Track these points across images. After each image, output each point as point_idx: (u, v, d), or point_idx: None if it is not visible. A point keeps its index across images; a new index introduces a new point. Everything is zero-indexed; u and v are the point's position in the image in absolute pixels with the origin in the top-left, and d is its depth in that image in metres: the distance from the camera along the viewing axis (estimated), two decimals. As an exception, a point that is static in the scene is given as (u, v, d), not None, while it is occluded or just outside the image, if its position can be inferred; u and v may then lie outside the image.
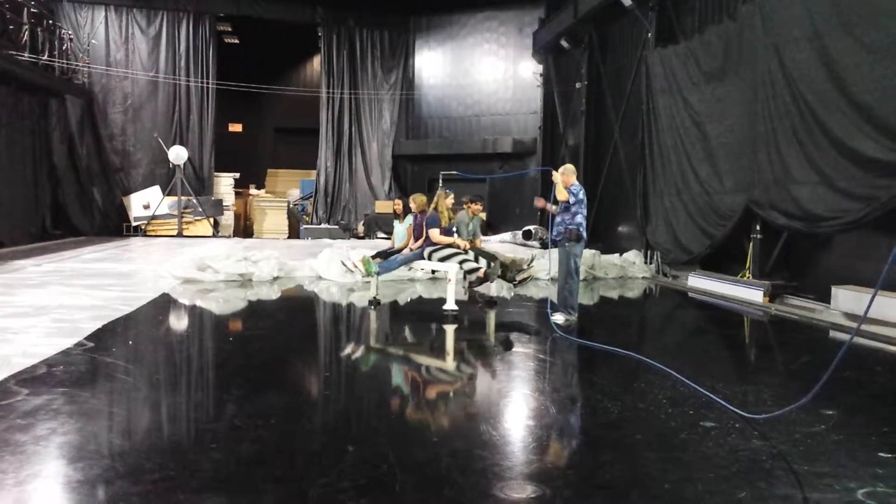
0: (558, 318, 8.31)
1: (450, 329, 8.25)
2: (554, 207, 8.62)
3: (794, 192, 9.89)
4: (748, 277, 11.28)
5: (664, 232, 13.87)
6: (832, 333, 8.42)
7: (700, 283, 12.22)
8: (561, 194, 8.45)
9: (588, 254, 13.77)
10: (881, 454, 3.95)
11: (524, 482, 3.52)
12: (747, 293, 10.83)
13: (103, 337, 6.87)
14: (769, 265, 11.06)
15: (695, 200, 12.77)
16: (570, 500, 3.37)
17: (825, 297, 9.56)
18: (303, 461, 3.79)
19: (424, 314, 9.46)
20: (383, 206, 24.13)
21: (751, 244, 11.37)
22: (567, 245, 8.33)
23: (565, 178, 8.43)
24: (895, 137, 8.09)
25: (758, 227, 11.15)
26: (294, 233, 24.33)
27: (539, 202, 9.05)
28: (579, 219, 8.32)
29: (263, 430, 4.23)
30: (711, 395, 5.03)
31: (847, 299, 9.03)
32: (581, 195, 8.38)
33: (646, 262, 14.43)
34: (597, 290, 12.22)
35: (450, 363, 6.68)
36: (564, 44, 19.48)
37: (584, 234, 8.43)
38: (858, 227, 8.90)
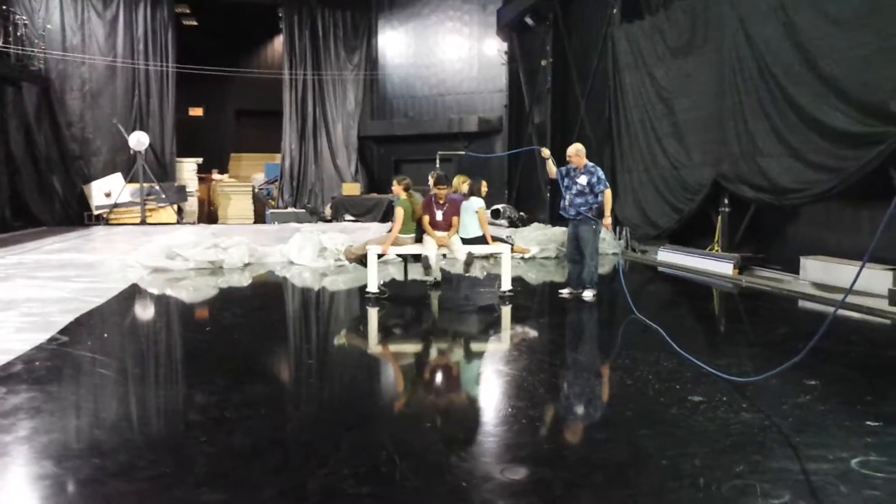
0: (588, 295, 8.44)
1: (435, 311, 8.25)
2: (553, 168, 8.72)
3: (762, 164, 10.00)
4: (717, 250, 11.41)
5: (632, 207, 13.97)
6: (802, 303, 8.58)
7: (669, 257, 12.34)
8: (551, 171, 8.73)
9: (559, 231, 13.84)
10: (868, 423, 4.02)
11: (523, 464, 3.53)
12: (717, 266, 10.95)
13: (77, 330, 6.72)
14: (737, 238, 11.20)
15: (663, 176, 12.87)
16: (570, 479, 3.38)
17: (793, 268, 9.72)
18: (298, 452, 3.76)
19: (403, 297, 9.43)
20: (350, 189, 23.97)
21: (719, 217, 11.50)
22: (594, 224, 8.41)
23: (579, 160, 8.47)
24: (861, 109, 8.19)
25: (726, 201, 11.28)
26: (260, 218, 24.05)
27: (544, 152, 8.99)
28: (601, 198, 8.42)
29: (254, 421, 4.17)
30: (704, 366, 5.09)
31: (815, 269, 9.19)
32: (602, 174, 8.48)
33: (615, 238, 14.53)
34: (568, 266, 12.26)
35: (435, 346, 6.66)
36: (529, 21, 19.38)
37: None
38: (827, 199, 9.03)
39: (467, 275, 9.53)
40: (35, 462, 3.56)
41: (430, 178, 9.11)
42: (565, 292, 8.74)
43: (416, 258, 8.98)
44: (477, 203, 9.05)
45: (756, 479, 3.29)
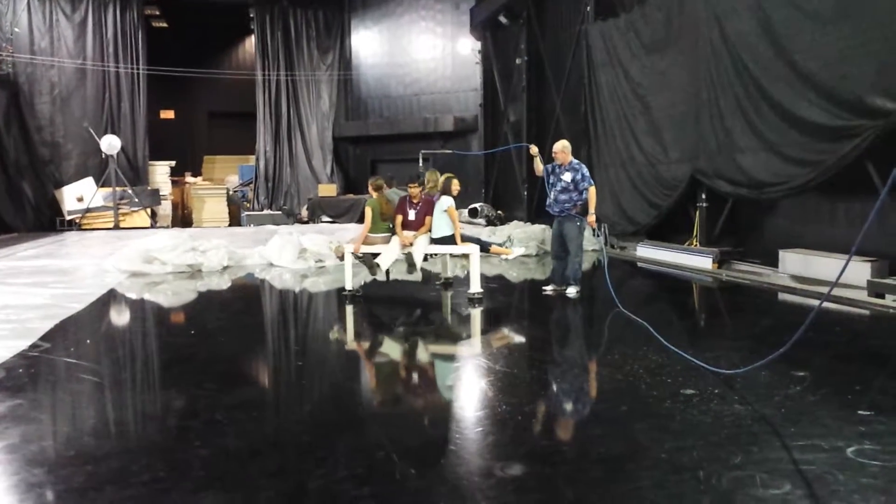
0: (572, 291, 8.46)
1: (416, 310, 8.22)
2: (541, 166, 8.74)
3: (739, 159, 10.09)
4: (696, 245, 11.51)
5: (610, 204, 14.00)
6: (783, 296, 8.68)
7: (648, 252, 12.41)
8: (538, 168, 8.76)
9: (538, 229, 13.89)
10: (860, 412, 4.07)
11: (522, 461, 3.52)
12: (696, 260, 11.04)
13: (58, 337, 6.61)
14: (716, 232, 11.31)
15: (640, 172, 12.95)
16: (571, 475, 3.38)
17: (772, 262, 9.83)
18: (295, 453, 3.71)
19: (383, 297, 9.39)
20: (326, 190, 23.84)
21: (697, 212, 11.59)
22: (578, 222, 8.42)
23: (564, 156, 8.48)
24: (837, 103, 8.30)
25: (703, 196, 11.37)
26: (235, 220, 23.84)
27: (533, 149, 8.95)
28: (585, 195, 8.48)
29: (247, 424, 4.13)
30: (693, 359, 5.13)
31: (794, 262, 9.31)
32: (586, 172, 8.54)
33: (594, 235, 14.56)
34: (548, 264, 12.28)
35: (420, 345, 6.63)
36: (503, 19, 19.37)
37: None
38: (804, 192, 9.14)
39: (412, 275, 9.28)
40: (26, 470, 3.48)
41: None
42: (549, 289, 8.77)
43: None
44: (447, 202, 8.70)
45: (754, 469, 3.32)
